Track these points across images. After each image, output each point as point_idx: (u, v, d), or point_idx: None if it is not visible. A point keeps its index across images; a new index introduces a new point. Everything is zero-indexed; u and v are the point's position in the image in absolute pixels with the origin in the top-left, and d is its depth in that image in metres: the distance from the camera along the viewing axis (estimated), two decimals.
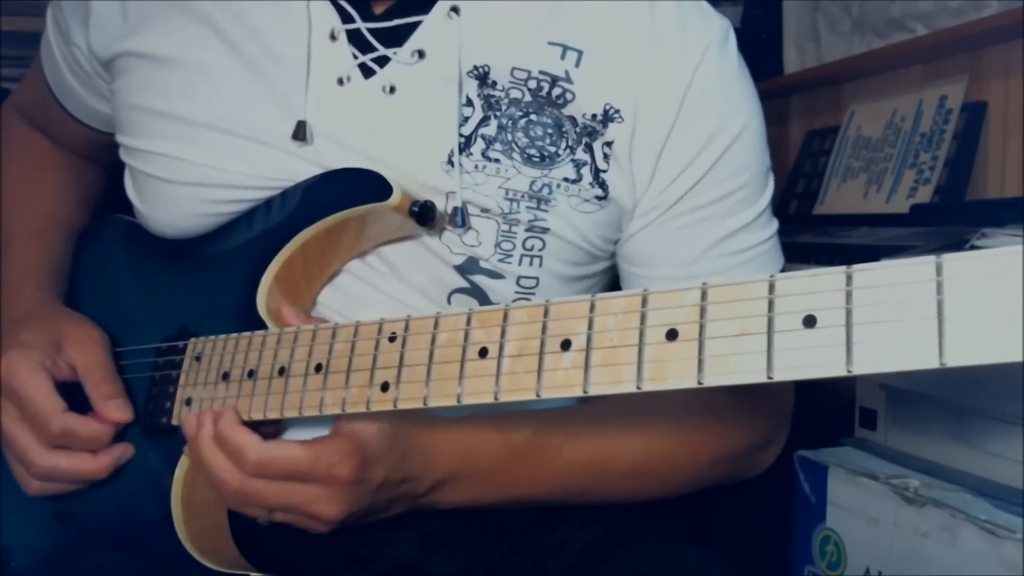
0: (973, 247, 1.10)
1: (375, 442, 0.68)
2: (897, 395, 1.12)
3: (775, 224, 0.83)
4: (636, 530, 0.83)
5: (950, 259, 0.43)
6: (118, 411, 0.79)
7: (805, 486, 1.15)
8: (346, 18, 0.77)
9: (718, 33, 0.78)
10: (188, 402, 0.76)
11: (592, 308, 0.54)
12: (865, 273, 0.45)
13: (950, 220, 1.30)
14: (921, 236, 1.32)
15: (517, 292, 0.79)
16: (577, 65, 0.76)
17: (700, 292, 0.50)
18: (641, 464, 0.79)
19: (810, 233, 1.59)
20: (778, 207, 0.83)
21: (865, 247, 1.39)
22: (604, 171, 0.76)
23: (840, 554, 1.10)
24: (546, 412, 0.79)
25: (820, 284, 0.46)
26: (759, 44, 1.93)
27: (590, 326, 0.54)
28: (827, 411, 1.32)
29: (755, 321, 0.48)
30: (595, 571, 0.79)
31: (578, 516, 0.85)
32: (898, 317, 0.43)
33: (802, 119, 1.96)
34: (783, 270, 0.82)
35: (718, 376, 0.48)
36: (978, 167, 1.48)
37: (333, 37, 0.77)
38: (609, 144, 0.76)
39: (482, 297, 0.79)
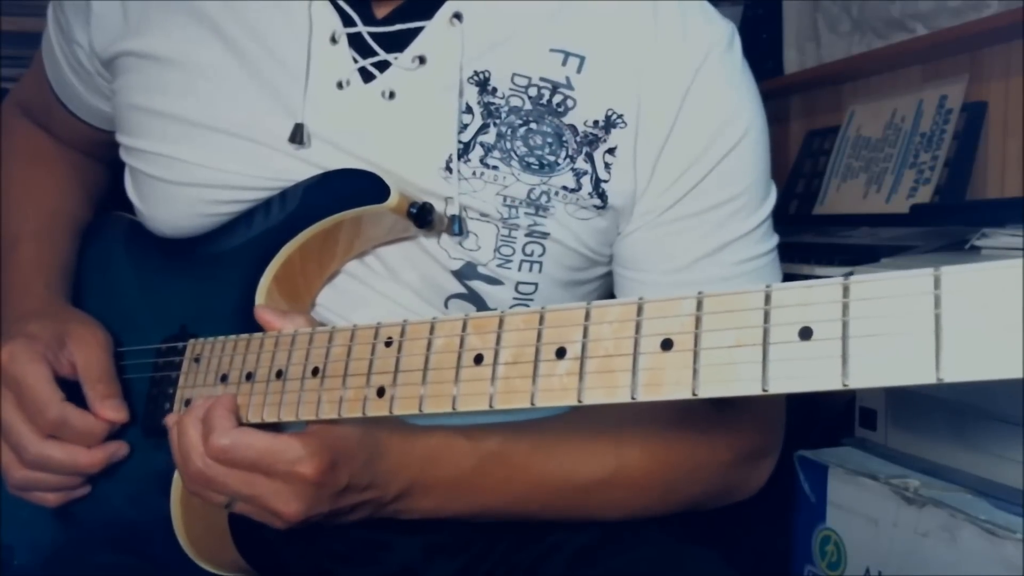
0: (973, 247, 1.10)
1: (344, 445, 0.68)
2: (897, 395, 1.12)
3: (775, 239, 0.81)
4: (633, 531, 0.83)
5: (949, 272, 0.42)
6: (113, 411, 0.79)
7: (805, 486, 1.15)
8: (347, 21, 0.77)
9: (722, 37, 0.77)
10: (187, 403, 0.76)
11: (587, 316, 0.54)
12: (862, 285, 0.44)
13: (950, 220, 1.30)
14: (921, 236, 1.32)
15: (515, 298, 0.79)
16: (579, 71, 0.75)
17: (696, 301, 0.50)
18: (613, 474, 0.78)
19: (810, 233, 1.59)
20: (778, 207, 0.82)
21: (865, 247, 1.39)
22: (605, 181, 0.76)
23: (840, 554, 1.10)
24: (515, 422, 0.78)
25: (816, 295, 0.45)
26: (759, 44, 1.93)
27: (585, 334, 0.53)
28: (827, 411, 1.33)
29: (751, 332, 0.47)
30: (592, 571, 0.79)
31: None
32: (895, 330, 0.43)
33: (802, 119, 1.96)
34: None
35: (713, 387, 0.48)
36: (978, 167, 1.48)
37: (334, 40, 0.77)
38: (612, 151, 0.75)
39: (480, 303, 0.79)
